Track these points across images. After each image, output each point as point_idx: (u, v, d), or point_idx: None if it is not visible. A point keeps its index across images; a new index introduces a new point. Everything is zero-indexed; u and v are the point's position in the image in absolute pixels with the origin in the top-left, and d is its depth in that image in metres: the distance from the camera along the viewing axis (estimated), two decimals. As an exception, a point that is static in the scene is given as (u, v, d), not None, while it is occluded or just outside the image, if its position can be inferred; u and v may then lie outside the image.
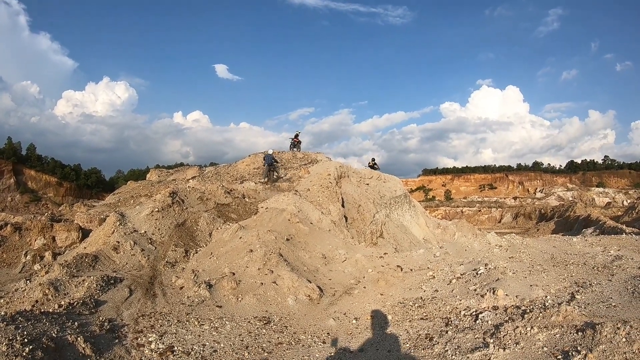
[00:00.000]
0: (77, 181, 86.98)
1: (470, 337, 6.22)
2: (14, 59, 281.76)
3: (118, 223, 12.58)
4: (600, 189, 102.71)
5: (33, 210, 60.25)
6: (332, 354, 6.79)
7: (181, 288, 9.76)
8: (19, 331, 5.66)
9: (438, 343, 6.32)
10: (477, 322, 6.79)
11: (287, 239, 12.58)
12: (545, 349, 5.24)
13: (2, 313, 6.70)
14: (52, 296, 8.69)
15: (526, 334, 5.67)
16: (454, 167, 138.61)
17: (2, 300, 9.23)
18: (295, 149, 29.06)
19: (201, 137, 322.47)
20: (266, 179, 21.44)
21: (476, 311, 7.35)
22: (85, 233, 15.73)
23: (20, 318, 6.38)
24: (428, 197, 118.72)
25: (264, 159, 22.43)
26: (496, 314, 6.87)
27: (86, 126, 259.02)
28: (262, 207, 16.09)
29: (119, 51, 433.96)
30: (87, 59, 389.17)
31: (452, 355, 5.77)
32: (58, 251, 14.71)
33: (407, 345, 6.67)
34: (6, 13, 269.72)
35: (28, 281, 10.32)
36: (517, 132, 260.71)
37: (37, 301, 8.52)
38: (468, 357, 5.55)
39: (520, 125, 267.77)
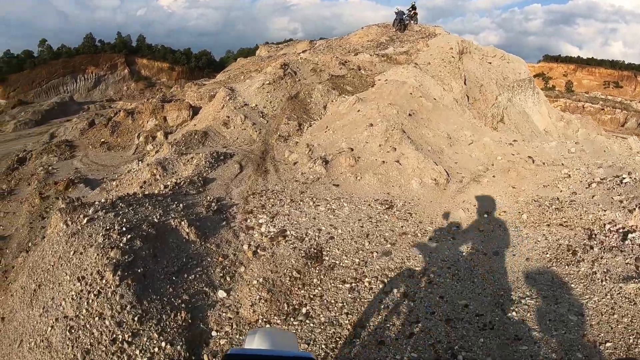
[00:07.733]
0: (188, 64, 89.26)
1: (619, 260, 5.33)
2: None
3: (228, 98, 12.49)
4: None
5: (148, 95, 63.93)
6: (464, 254, 6.16)
7: (295, 164, 9.50)
8: (118, 219, 5.49)
9: (583, 260, 5.50)
10: (626, 242, 5.77)
11: (410, 114, 11.58)
12: None
13: (103, 200, 6.48)
14: (160, 176, 8.72)
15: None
16: (578, 56, 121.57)
17: (113, 183, 9.53)
18: (412, 21, 26.86)
19: (309, 13, 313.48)
20: (398, 27, 24.25)
21: (623, 228, 6.21)
22: (195, 111, 16.08)
23: (120, 204, 6.17)
24: (547, 85, 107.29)
25: (396, 14, 25.04)
26: (649, 238, 5.73)
27: (192, 12, 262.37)
28: (379, 80, 14.99)
29: None
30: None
31: (602, 281, 4.98)
32: (170, 130, 15.25)
33: (547, 255, 5.90)
34: None
35: (140, 162, 10.64)
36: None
37: (145, 182, 8.57)
38: (621, 288, 4.73)
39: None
